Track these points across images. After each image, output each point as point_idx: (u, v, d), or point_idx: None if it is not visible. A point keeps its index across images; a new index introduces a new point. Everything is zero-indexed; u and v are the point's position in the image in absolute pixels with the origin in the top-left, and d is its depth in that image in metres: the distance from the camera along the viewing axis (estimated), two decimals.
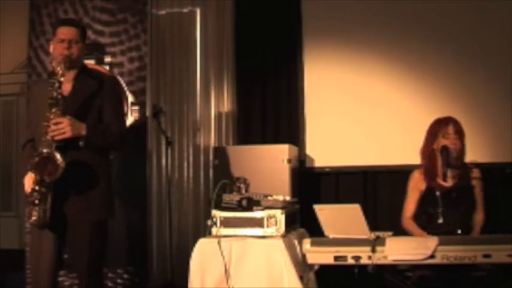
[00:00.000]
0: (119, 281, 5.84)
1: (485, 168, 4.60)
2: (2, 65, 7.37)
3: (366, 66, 5.88)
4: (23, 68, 6.92)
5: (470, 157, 4.55)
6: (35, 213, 3.78)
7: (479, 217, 4.35)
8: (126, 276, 5.84)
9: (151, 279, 5.92)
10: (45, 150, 3.70)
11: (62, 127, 3.74)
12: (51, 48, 4.03)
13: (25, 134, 4.11)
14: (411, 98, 5.75)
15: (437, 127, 4.46)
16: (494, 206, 4.64)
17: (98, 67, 5.67)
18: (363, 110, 5.85)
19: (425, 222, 4.32)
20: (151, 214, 6.01)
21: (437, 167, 4.39)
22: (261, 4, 6.08)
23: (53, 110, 3.77)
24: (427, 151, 4.47)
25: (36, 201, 3.76)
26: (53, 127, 3.73)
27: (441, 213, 4.25)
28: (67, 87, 3.94)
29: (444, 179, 4.25)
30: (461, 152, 4.41)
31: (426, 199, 4.41)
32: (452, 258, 3.73)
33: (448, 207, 4.27)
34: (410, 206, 4.49)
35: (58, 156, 3.68)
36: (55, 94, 3.78)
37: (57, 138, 3.74)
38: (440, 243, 3.76)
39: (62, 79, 3.78)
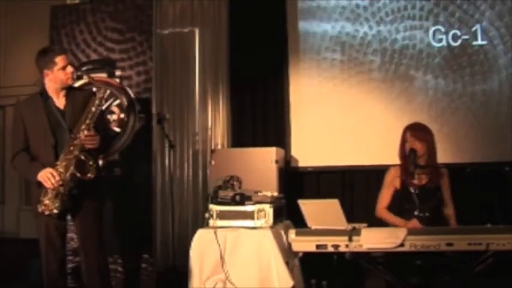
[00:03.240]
0: (127, 266, 5.80)
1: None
2: (24, 78, 7.33)
3: (344, 78, 5.87)
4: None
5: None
6: (49, 202, 3.80)
7: (450, 211, 4.37)
8: (133, 262, 5.80)
9: (155, 264, 5.87)
10: (84, 157, 3.87)
11: (94, 139, 3.91)
12: (49, 76, 4.03)
13: (15, 146, 4.09)
14: (385, 107, 5.72)
15: (402, 133, 4.49)
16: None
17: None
18: (342, 117, 5.82)
19: (404, 217, 4.30)
20: (156, 207, 5.97)
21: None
22: (253, 25, 6.05)
23: (87, 122, 3.91)
24: (401, 154, 4.46)
25: (58, 193, 3.79)
26: (86, 137, 3.87)
27: (418, 207, 4.25)
28: (62, 102, 4.05)
29: (412, 179, 4.23)
30: (426, 153, 4.37)
31: (401, 196, 4.40)
32: (419, 247, 3.71)
33: (421, 202, 4.26)
34: (385, 197, 4.49)
35: (92, 161, 3.89)
36: (93, 109, 3.93)
37: (87, 147, 3.89)
38: (409, 233, 3.74)
39: (102, 98, 4.00)
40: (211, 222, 4.33)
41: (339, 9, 5.89)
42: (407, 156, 4.33)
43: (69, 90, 4.12)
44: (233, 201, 4.35)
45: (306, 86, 5.96)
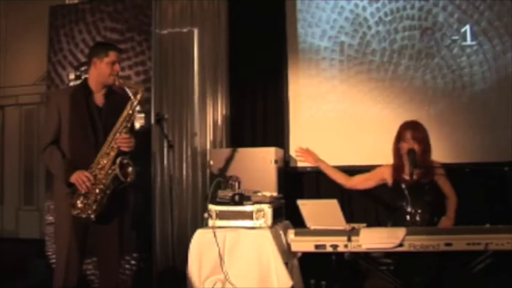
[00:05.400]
0: (126, 266, 5.78)
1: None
2: (24, 78, 7.37)
3: (343, 78, 5.87)
4: (43, 81, 6.90)
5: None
6: (83, 206, 3.79)
7: (451, 200, 4.37)
8: (133, 262, 5.79)
9: (155, 264, 5.87)
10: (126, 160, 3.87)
11: (130, 142, 3.91)
12: (96, 65, 4.02)
13: (46, 137, 4.01)
14: (384, 107, 5.71)
15: (400, 130, 4.52)
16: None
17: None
18: (341, 117, 5.83)
19: (397, 215, 4.31)
20: (155, 208, 5.97)
21: (403, 164, 4.43)
22: (252, 25, 6.06)
23: (124, 124, 3.88)
24: (394, 150, 4.51)
25: (96, 196, 3.80)
26: (123, 140, 3.85)
27: (409, 203, 4.26)
28: (100, 101, 4.02)
29: (411, 178, 4.23)
30: (422, 154, 4.38)
31: (394, 193, 4.43)
32: (418, 247, 3.71)
33: (413, 198, 4.28)
34: (362, 176, 4.65)
35: (131, 167, 3.90)
36: (130, 112, 3.90)
37: (123, 149, 3.88)
38: (408, 233, 3.74)
39: (139, 99, 3.94)
40: (210, 222, 4.32)
41: (337, 9, 5.89)
42: (408, 155, 4.33)
43: (110, 92, 4.09)
44: (232, 201, 4.34)
45: (305, 86, 5.96)
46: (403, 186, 4.37)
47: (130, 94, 3.91)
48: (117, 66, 4.01)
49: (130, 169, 3.86)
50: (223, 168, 5.32)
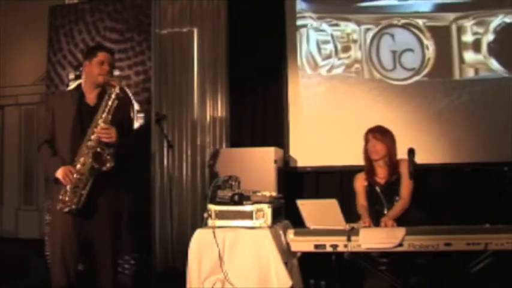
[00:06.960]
0: (126, 266, 5.78)
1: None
2: (23, 78, 7.38)
3: (343, 78, 5.88)
4: (42, 81, 6.90)
5: None
6: (67, 199, 3.80)
7: (402, 202, 4.38)
8: (132, 262, 5.78)
9: (154, 264, 5.87)
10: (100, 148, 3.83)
11: (110, 132, 3.85)
12: (86, 67, 4.09)
13: (42, 136, 4.13)
14: (384, 106, 5.72)
15: (365, 136, 4.62)
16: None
17: None
18: (340, 117, 5.84)
19: (375, 217, 4.31)
20: (154, 207, 5.97)
21: (374, 167, 4.56)
22: (252, 25, 6.08)
23: (103, 116, 3.88)
24: (364, 154, 4.59)
25: (77, 188, 3.80)
26: (101, 130, 3.84)
27: (385, 205, 4.29)
28: (93, 101, 4.05)
29: (410, 177, 4.23)
30: (385, 152, 4.49)
31: (370, 196, 4.47)
32: (417, 247, 3.71)
33: (387, 199, 4.34)
34: (359, 206, 4.58)
35: (109, 152, 3.83)
36: (109, 103, 3.90)
37: (103, 140, 3.84)
38: (408, 233, 3.74)
39: (118, 91, 3.92)
40: (209, 222, 4.31)
41: (338, 9, 5.89)
42: (408, 154, 4.35)
43: (104, 92, 4.08)
44: (232, 201, 4.33)
45: (305, 85, 5.97)
46: (377, 189, 4.42)
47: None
48: (105, 66, 4.04)
49: (106, 157, 3.84)
50: (223, 168, 5.32)
